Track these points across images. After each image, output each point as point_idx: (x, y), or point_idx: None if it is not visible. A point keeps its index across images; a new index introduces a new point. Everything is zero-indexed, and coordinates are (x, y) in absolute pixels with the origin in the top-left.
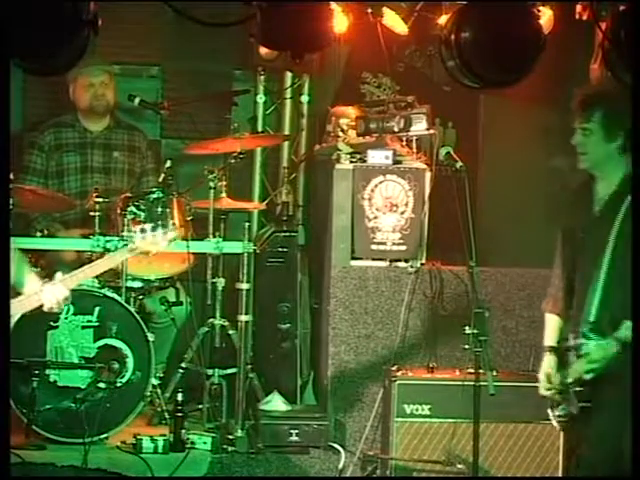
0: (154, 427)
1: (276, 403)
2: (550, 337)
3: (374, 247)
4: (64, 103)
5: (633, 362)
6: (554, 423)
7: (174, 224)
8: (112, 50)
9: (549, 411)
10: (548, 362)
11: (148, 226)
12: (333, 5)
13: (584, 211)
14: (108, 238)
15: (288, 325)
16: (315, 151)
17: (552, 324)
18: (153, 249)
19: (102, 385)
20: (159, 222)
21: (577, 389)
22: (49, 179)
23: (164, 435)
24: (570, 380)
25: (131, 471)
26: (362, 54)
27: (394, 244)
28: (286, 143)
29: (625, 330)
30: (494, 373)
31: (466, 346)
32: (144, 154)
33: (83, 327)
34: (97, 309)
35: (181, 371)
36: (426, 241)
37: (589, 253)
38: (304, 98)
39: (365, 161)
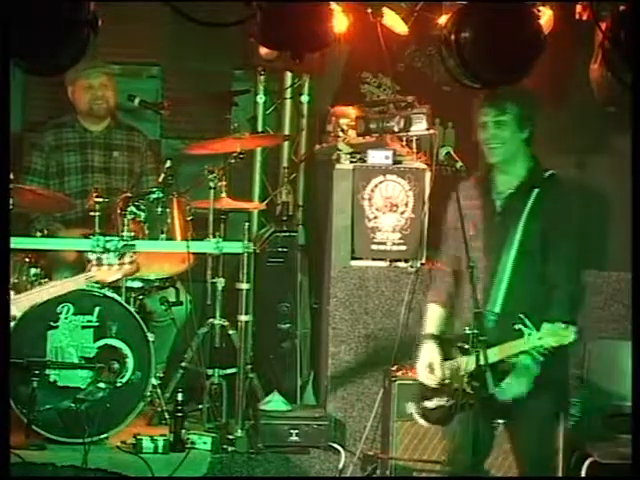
0: (154, 427)
1: (276, 403)
2: (433, 326)
3: (374, 247)
4: (64, 104)
5: (633, 362)
6: (415, 417)
7: (132, 256)
8: (112, 50)
9: (412, 403)
10: (430, 351)
11: (104, 256)
12: (333, 5)
13: (480, 206)
14: (108, 238)
15: (288, 325)
16: (315, 151)
17: (435, 314)
18: (108, 278)
19: (102, 385)
20: (116, 252)
21: (473, 383)
22: (50, 179)
23: (164, 435)
24: (464, 372)
25: (131, 471)
26: (362, 54)
27: (394, 244)
28: (286, 143)
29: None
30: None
31: (466, 346)
32: (143, 154)
33: (83, 327)
34: (97, 309)
35: (181, 371)
36: (426, 241)
37: (490, 247)
38: (304, 98)
39: (365, 161)
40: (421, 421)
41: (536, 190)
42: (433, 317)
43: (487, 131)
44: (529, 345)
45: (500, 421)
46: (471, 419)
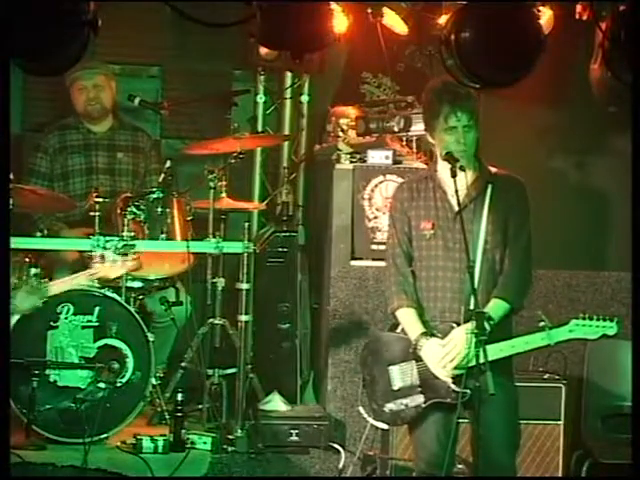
0: (154, 427)
1: (276, 403)
2: (416, 328)
3: (374, 247)
4: (64, 104)
5: (633, 362)
6: (371, 420)
7: (135, 253)
8: (112, 50)
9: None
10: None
11: (109, 253)
12: (333, 5)
13: (435, 205)
14: (108, 238)
15: (288, 325)
16: (315, 151)
17: (412, 317)
18: (111, 275)
19: (102, 385)
20: (121, 249)
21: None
22: (54, 181)
23: (164, 435)
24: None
25: (131, 471)
26: (362, 54)
27: None
28: (286, 143)
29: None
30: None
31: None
32: (148, 154)
33: (83, 327)
34: (97, 309)
35: (181, 371)
36: None
37: (453, 244)
38: (304, 98)
39: (365, 161)
40: (379, 424)
41: (490, 185)
42: (411, 320)
43: (455, 135)
44: (555, 339)
45: (465, 420)
46: (439, 418)
